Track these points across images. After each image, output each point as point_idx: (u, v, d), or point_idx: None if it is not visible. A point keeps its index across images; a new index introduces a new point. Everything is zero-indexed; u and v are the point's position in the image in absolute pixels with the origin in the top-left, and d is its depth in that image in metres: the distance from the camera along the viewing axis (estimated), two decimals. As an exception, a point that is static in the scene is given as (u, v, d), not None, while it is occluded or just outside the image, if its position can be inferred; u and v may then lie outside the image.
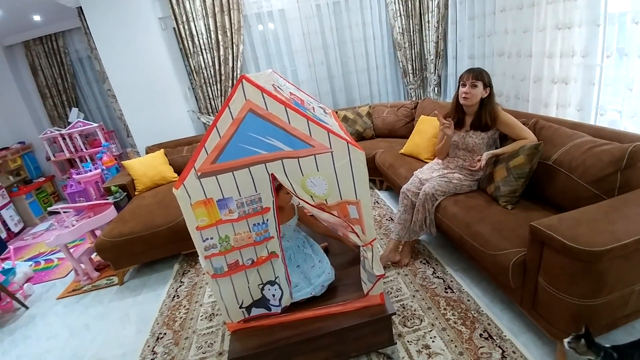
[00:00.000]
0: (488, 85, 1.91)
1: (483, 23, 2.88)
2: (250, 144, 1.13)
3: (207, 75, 3.68)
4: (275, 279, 1.39)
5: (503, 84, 2.79)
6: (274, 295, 1.40)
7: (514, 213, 1.75)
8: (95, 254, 2.60)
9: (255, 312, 1.43)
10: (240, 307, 1.40)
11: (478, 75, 1.88)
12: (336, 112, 3.73)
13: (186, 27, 3.50)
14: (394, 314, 1.45)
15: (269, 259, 1.34)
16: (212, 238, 1.25)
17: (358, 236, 1.30)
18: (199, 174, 1.15)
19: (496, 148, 2.00)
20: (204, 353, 1.76)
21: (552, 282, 1.34)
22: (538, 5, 2.19)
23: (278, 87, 1.31)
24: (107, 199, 3.18)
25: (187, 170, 1.15)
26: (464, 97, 1.92)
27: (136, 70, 3.58)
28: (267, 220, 1.28)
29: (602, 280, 1.22)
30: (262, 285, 1.39)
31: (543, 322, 1.45)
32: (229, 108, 1.09)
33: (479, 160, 1.90)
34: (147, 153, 3.61)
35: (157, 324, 2.06)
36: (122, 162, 3.40)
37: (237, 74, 3.69)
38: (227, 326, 1.45)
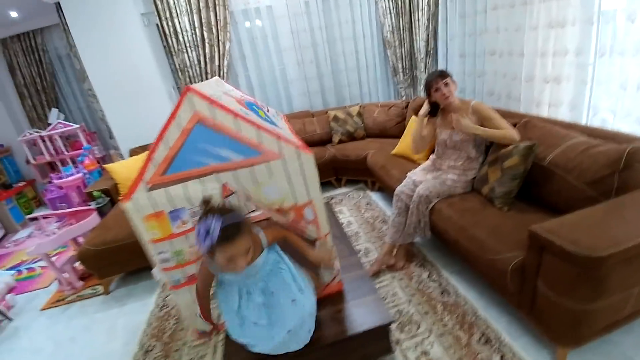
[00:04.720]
0: (453, 79, 1.98)
1: (474, 21, 2.85)
2: (200, 155, 1.12)
3: (193, 73, 3.57)
4: None
5: (495, 83, 2.78)
6: None
7: (510, 215, 1.73)
8: (78, 262, 2.49)
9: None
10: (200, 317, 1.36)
11: (444, 74, 1.95)
12: (326, 112, 3.68)
13: (170, 23, 3.38)
14: (392, 322, 1.42)
15: None
16: (165, 252, 1.22)
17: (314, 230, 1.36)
18: (149, 186, 1.11)
19: (485, 147, 2.04)
20: (195, 366, 1.70)
21: (551, 287, 1.32)
22: (531, 3, 2.17)
23: (228, 92, 1.32)
24: (90, 205, 3.05)
25: (136, 182, 1.11)
26: (445, 98, 1.96)
27: (118, 68, 3.43)
28: None
29: (602, 284, 1.20)
30: None
31: (542, 326, 1.43)
32: (177, 118, 1.07)
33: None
34: (130, 156, 3.48)
35: (146, 335, 1.98)
36: (104, 166, 3.27)
37: (224, 72, 3.59)
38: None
